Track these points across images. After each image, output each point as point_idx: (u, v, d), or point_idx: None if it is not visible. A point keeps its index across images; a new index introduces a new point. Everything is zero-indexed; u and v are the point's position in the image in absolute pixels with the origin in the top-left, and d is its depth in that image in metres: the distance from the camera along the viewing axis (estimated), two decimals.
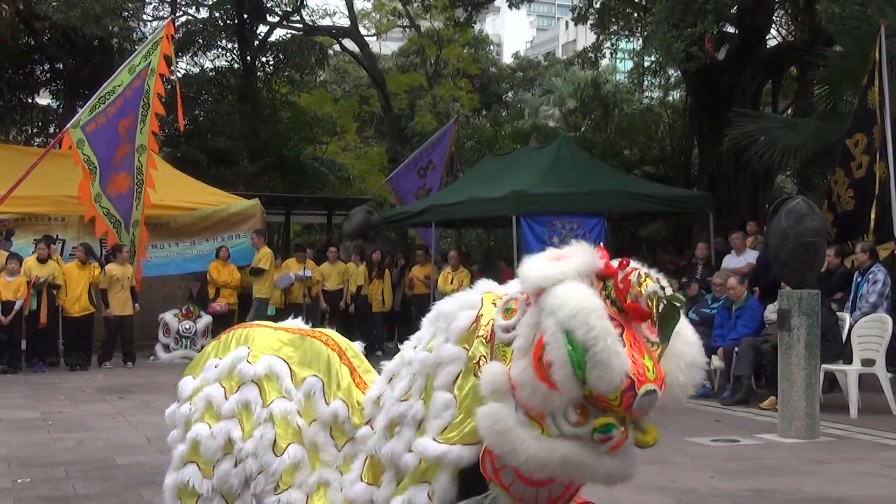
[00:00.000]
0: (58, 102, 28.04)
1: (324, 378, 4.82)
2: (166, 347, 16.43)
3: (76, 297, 14.99)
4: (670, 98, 28.10)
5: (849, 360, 10.49)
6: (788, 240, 8.92)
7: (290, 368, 4.85)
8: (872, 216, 12.83)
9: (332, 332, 5.15)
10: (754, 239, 14.78)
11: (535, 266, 3.79)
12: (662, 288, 3.73)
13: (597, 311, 3.55)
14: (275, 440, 4.65)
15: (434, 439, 4.02)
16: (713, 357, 11.56)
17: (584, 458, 3.71)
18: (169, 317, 16.60)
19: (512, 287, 4.17)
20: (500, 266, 21.76)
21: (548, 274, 3.72)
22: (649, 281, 3.69)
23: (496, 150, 24.94)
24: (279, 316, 17.88)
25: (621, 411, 3.62)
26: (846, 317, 11.06)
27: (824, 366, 9.78)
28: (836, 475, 7.10)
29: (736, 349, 11.10)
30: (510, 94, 42.26)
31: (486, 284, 4.33)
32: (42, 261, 14.83)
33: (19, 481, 6.71)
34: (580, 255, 3.80)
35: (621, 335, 3.62)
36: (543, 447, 3.69)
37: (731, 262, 14.17)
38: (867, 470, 7.30)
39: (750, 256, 13.91)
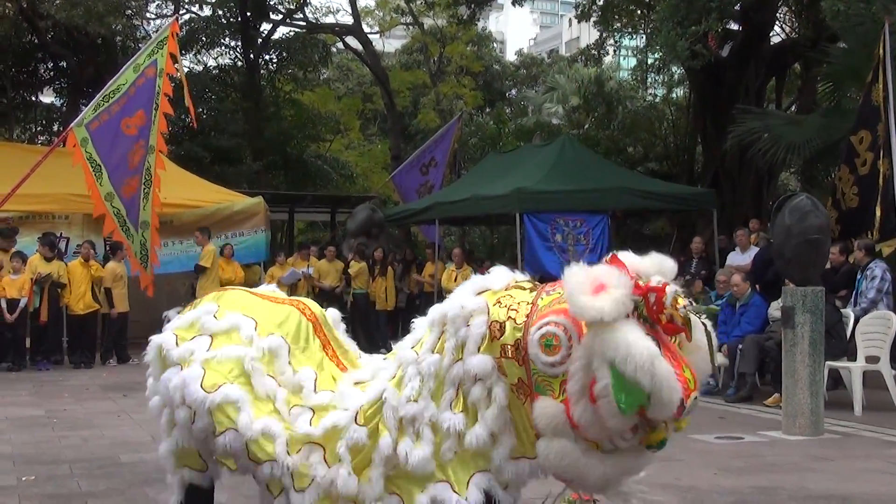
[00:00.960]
0: (61, 101, 28.05)
1: (291, 342, 4.81)
2: None
3: (80, 294, 15.03)
4: (674, 95, 28.05)
5: (853, 357, 10.49)
6: (792, 237, 8.91)
7: (256, 325, 4.82)
8: (878, 213, 12.81)
9: (309, 302, 5.15)
10: (758, 236, 14.76)
11: (585, 302, 3.84)
12: (691, 303, 3.98)
13: (657, 357, 3.73)
14: (202, 377, 4.61)
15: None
16: (717, 354, 11.53)
17: (637, 462, 4.10)
18: (173, 314, 16.43)
19: (500, 280, 4.42)
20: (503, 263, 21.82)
21: (600, 313, 3.80)
22: (680, 300, 3.91)
23: (500, 148, 24.92)
24: None
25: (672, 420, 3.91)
26: (850, 314, 11.05)
27: (828, 363, 9.77)
28: (841, 472, 7.09)
29: (740, 346, 11.09)
30: (513, 92, 42.21)
31: (479, 282, 4.44)
32: (48, 259, 14.86)
33: (24, 479, 6.73)
34: (620, 286, 3.89)
35: (660, 352, 3.83)
36: (608, 465, 4.01)
37: (735, 259, 14.15)
38: (872, 467, 7.30)
39: (754, 253, 13.89)
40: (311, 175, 29.70)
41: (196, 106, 27.05)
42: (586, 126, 27.35)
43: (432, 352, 4.37)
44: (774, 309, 10.75)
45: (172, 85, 16.37)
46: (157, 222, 16.11)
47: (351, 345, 5.10)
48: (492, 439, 4.20)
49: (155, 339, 4.93)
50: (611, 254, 4.11)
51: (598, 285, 3.87)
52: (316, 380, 4.75)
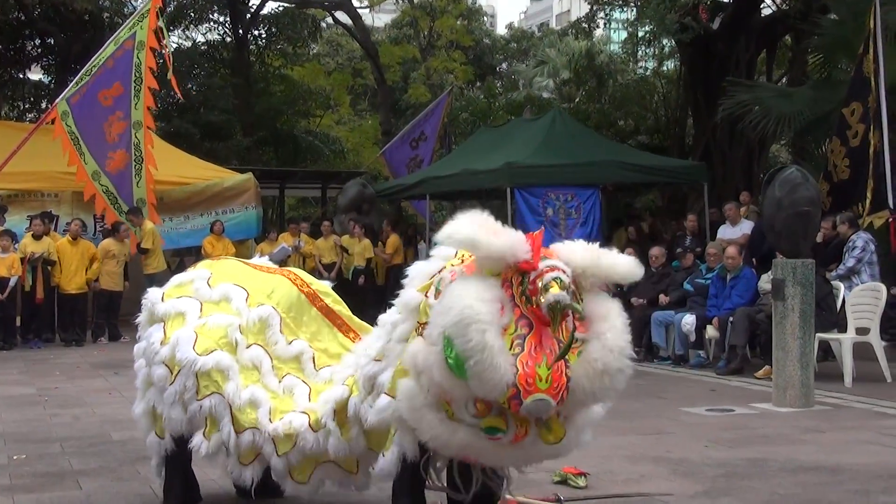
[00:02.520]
0: (49, 78, 27.85)
1: (282, 312, 4.86)
2: None
3: (71, 273, 14.98)
4: (664, 68, 27.97)
5: (843, 329, 10.51)
6: (782, 209, 8.91)
7: (248, 293, 4.89)
8: (870, 185, 12.82)
9: (301, 272, 5.22)
10: (747, 209, 14.76)
11: (453, 226, 3.82)
12: (573, 297, 3.75)
13: (477, 323, 3.57)
14: (196, 340, 4.69)
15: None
16: (708, 327, 11.58)
17: (484, 445, 3.87)
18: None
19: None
20: None
21: (456, 235, 3.75)
22: (555, 287, 3.67)
23: (490, 122, 24.85)
24: None
25: (514, 414, 3.73)
26: (840, 286, 11.08)
27: (819, 335, 9.79)
28: (831, 444, 7.11)
29: (731, 319, 11.11)
30: (504, 66, 42.07)
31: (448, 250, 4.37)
32: (37, 237, 14.80)
33: (15, 458, 6.71)
34: (507, 239, 3.79)
35: (525, 336, 3.67)
36: (446, 430, 3.86)
37: (725, 232, 14.15)
38: (862, 438, 7.32)
39: (745, 227, 13.89)
40: (302, 151, 29.60)
41: (185, 82, 27.01)
42: (577, 100, 27.30)
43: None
44: (765, 282, 10.77)
45: (159, 61, 16.26)
46: (153, 199, 16.07)
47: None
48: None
49: (146, 296, 5.07)
50: (540, 229, 4.02)
51: (494, 229, 3.85)
52: (314, 357, 4.77)
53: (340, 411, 4.45)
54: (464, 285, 3.70)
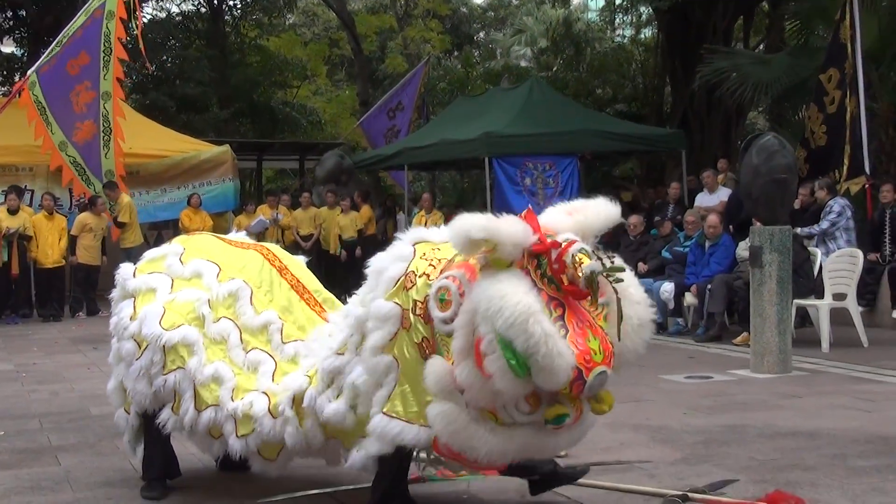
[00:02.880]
0: (22, 50, 27.54)
1: (253, 286, 4.84)
2: None
3: (47, 248, 14.87)
4: (642, 36, 27.94)
5: (820, 295, 10.57)
6: (760, 176, 8.92)
7: (220, 268, 4.88)
8: (847, 151, 12.87)
9: (273, 247, 5.21)
10: (724, 176, 14.79)
11: (465, 226, 3.64)
12: (602, 260, 3.67)
13: (533, 315, 3.45)
14: (163, 315, 4.67)
15: (385, 413, 3.99)
16: (686, 294, 11.62)
17: (543, 440, 3.77)
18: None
19: (439, 235, 4.13)
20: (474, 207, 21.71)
21: (485, 229, 3.58)
22: (585, 258, 3.59)
23: (468, 92, 24.77)
24: None
25: (573, 396, 3.63)
26: (818, 252, 11.13)
27: (796, 301, 9.84)
28: (809, 409, 7.16)
29: (709, 286, 11.15)
30: (481, 35, 41.87)
31: (417, 233, 4.25)
32: (12, 212, 14.67)
33: None
34: (511, 227, 3.67)
35: (562, 316, 3.57)
36: (501, 438, 3.71)
37: (703, 200, 14.18)
38: (839, 403, 7.37)
39: (722, 194, 13.92)
40: (279, 122, 29.45)
41: (160, 54, 26.79)
42: (555, 68, 27.21)
43: (362, 305, 4.27)
44: (743, 249, 10.81)
45: (134, 32, 16.10)
46: (122, 170, 15.93)
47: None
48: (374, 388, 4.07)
49: (117, 273, 5.04)
50: (527, 208, 3.87)
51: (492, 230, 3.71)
52: (283, 329, 4.75)
53: (298, 401, 4.40)
54: (497, 285, 3.54)
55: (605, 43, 28.00)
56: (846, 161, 12.93)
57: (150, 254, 5.15)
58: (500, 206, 15.50)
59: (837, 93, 13.19)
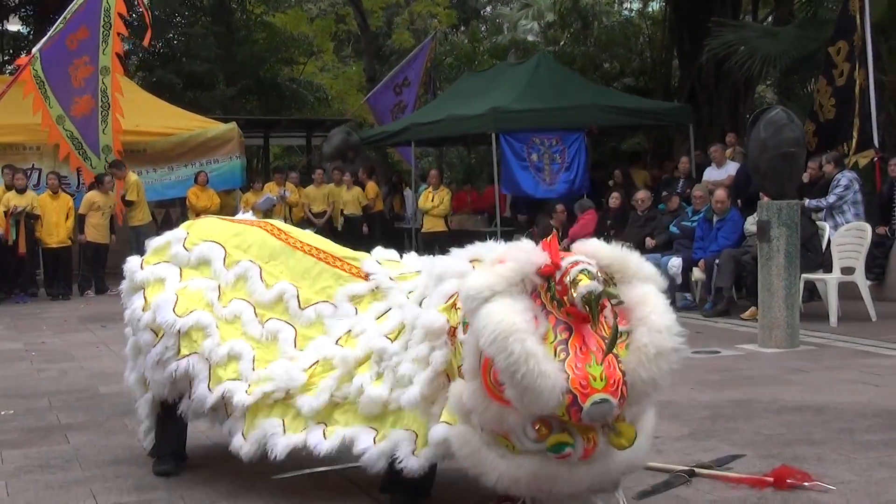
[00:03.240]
0: (28, 28, 27.51)
1: (262, 264, 4.84)
2: None
3: (53, 227, 14.88)
4: (650, 9, 27.76)
5: (829, 269, 10.54)
6: (767, 150, 8.87)
7: (226, 251, 4.88)
8: (855, 125, 12.80)
9: (277, 222, 5.24)
10: (733, 150, 14.73)
11: (466, 282, 3.62)
12: (606, 282, 3.58)
13: (514, 333, 3.37)
14: (176, 302, 4.68)
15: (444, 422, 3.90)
16: (694, 269, 11.61)
17: (556, 470, 3.61)
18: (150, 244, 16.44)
19: (495, 251, 3.96)
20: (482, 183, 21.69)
21: (474, 292, 3.54)
22: (584, 279, 3.49)
23: (475, 67, 24.69)
24: None
25: (577, 425, 3.50)
26: (826, 226, 11.10)
27: (804, 275, 9.82)
28: (817, 383, 7.16)
29: (717, 261, 11.13)
30: (488, 9, 41.62)
31: (475, 249, 4.14)
32: (20, 191, 14.68)
33: (2, 413, 6.71)
34: (514, 259, 3.62)
35: (567, 340, 3.48)
36: (511, 465, 3.62)
37: (711, 174, 14.14)
38: (847, 377, 7.37)
39: (731, 168, 13.88)
40: (286, 99, 29.40)
41: (166, 31, 26.77)
42: (562, 43, 27.08)
43: (419, 304, 4.25)
44: (750, 223, 10.77)
45: (138, 10, 16.04)
46: (119, 146, 15.93)
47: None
48: (424, 403, 3.98)
49: (124, 267, 5.04)
50: (551, 235, 3.79)
51: (500, 260, 3.67)
52: (298, 295, 4.74)
53: (324, 368, 4.38)
54: (490, 305, 3.47)
55: (612, 17, 27.84)
56: (855, 134, 12.87)
57: (154, 243, 5.13)
58: (507, 181, 15.53)
59: (846, 65, 13.11)
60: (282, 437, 4.32)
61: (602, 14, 27.51)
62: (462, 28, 37.33)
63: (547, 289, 3.59)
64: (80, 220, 15.26)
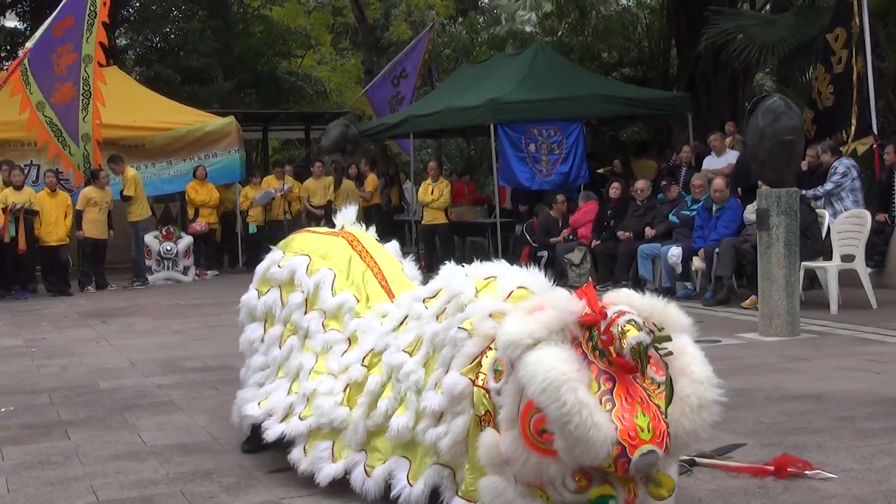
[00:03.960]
0: (24, 24, 27.46)
1: (338, 272, 5.12)
2: (148, 269, 16.34)
3: (50, 225, 14.84)
4: None
5: (829, 257, 10.53)
6: (766, 139, 8.85)
7: (310, 260, 5.20)
8: (854, 111, 12.78)
9: (359, 233, 5.47)
10: (733, 139, 14.70)
11: (506, 329, 3.60)
12: (650, 332, 3.54)
13: (567, 383, 3.32)
14: (282, 335, 5.12)
15: (460, 496, 3.90)
16: (694, 258, 11.60)
17: None
18: (149, 239, 16.50)
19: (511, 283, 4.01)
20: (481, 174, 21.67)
21: (515, 340, 3.51)
22: (632, 330, 3.45)
23: (473, 58, 24.64)
24: (260, 233, 17.89)
25: (621, 476, 3.47)
26: (825, 214, 11.09)
27: (804, 263, 9.82)
28: (817, 371, 7.15)
29: (717, 250, 11.12)
30: (486, 0, 41.59)
31: (488, 269, 4.20)
32: (17, 187, 14.65)
33: (3, 409, 6.70)
34: (553, 307, 3.58)
35: (611, 391, 3.43)
36: None
37: (711, 163, 14.12)
38: (847, 365, 7.36)
39: (730, 157, 13.85)
40: (284, 92, 29.38)
41: (163, 25, 26.73)
42: (560, 33, 26.99)
43: (437, 318, 4.25)
44: (750, 212, 10.75)
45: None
46: (99, 135, 15.89)
47: (410, 267, 5.43)
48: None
49: (243, 299, 5.50)
50: (587, 283, 3.74)
51: (538, 308, 3.62)
52: (355, 308, 5.01)
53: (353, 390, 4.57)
54: (536, 352, 3.43)
55: (610, 6, 27.74)
56: (854, 121, 12.85)
57: (259, 270, 5.47)
58: (505, 173, 15.50)
59: (844, 52, 13.08)
60: (328, 463, 4.48)
61: (600, 3, 27.40)
62: (460, 19, 37.25)
63: (588, 338, 3.53)
64: (78, 216, 15.24)
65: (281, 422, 4.77)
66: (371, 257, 5.25)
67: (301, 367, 4.87)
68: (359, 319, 4.88)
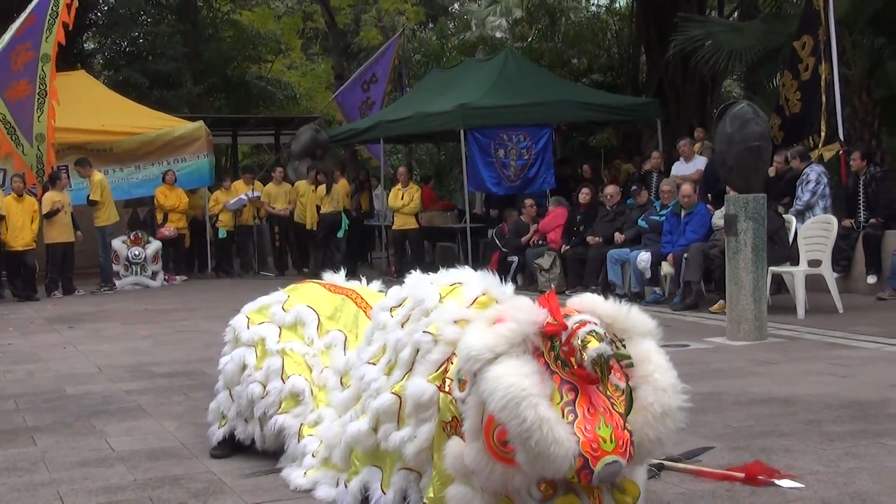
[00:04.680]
0: None
1: (348, 333, 5.17)
2: (116, 275, 16.22)
3: (17, 230, 14.68)
4: (617, 5, 27.81)
5: (796, 262, 10.62)
6: (733, 145, 8.91)
7: (319, 319, 5.26)
8: (823, 118, 12.90)
9: (362, 289, 5.47)
10: (702, 145, 14.80)
11: (466, 342, 3.58)
12: (612, 342, 3.53)
13: (527, 399, 3.31)
14: (283, 368, 5.07)
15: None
16: (663, 263, 11.66)
17: None
18: (118, 244, 16.39)
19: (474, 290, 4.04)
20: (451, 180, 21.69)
21: (475, 354, 3.49)
22: (593, 341, 3.43)
23: (443, 64, 24.66)
24: (229, 238, 17.82)
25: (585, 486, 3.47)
26: (793, 219, 11.18)
27: (771, 268, 9.89)
28: (785, 375, 7.20)
29: (685, 255, 11.18)
30: (456, 6, 41.65)
31: (453, 276, 4.21)
32: None
33: None
34: (514, 319, 3.56)
35: (574, 401, 3.43)
36: None
37: (680, 168, 14.20)
38: (815, 369, 7.42)
39: (699, 163, 13.94)
40: (254, 97, 29.29)
41: (131, 29, 26.56)
42: (530, 39, 27.08)
43: (401, 325, 4.25)
44: (718, 217, 10.83)
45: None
46: (53, 137, 15.77)
47: None
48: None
49: (231, 323, 5.50)
50: (549, 291, 3.72)
51: (498, 319, 3.61)
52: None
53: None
54: (496, 366, 3.41)
55: (579, 13, 27.89)
56: (823, 127, 12.96)
57: (258, 303, 5.51)
58: (473, 178, 15.53)
59: (811, 59, 13.20)
60: (325, 487, 4.55)
61: (570, 10, 27.55)
62: (430, 25, 37.34)
63: (550, 348, 3.52)
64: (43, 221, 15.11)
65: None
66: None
67: (321, 420, 4.89)
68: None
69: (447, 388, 3.80)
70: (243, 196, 17.62)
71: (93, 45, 28.29)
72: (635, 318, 3.71)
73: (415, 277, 4.45)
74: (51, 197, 15.18)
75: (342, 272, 5.69)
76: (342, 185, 17.87)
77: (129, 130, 17.50)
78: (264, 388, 5.08)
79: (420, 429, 3.90)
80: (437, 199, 20.01)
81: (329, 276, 5.66)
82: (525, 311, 3.59)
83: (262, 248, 18.72)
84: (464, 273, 4.22)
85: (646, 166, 15.28)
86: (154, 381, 7.76)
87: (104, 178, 16.03)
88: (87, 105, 16.95)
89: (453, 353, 3.82)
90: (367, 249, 20.54)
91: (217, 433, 5.38)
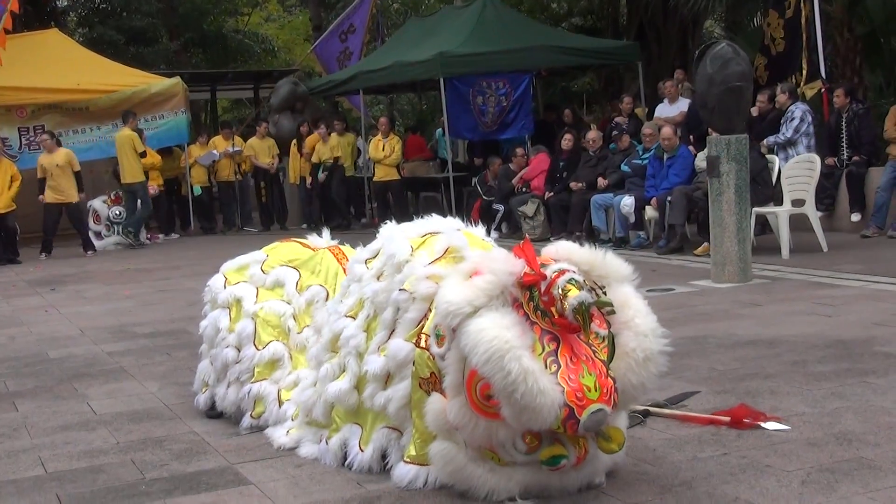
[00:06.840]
0: None
1: (328, 289, 5.08)
2: (98, 235, 16.10)
3: None
4: None
5: (779, 202, 10.58)
6: (714, 85, 8.81)
7: (300, 274, 5.19)
8: (804, 56, 12.80)
9: (345, 248, 5.38)
10: (682, 86, 14.67)
11: (444, 297, 3.53)
12: (591, 289, 3.51)
13: (510, 352, 3.29)
14: (255, 333, 4.98)
15: (405, 461, 3.90)
16: (647, 207, 11.61)
17: (547, 479, 3.60)
18: (98, 203, 16.25)
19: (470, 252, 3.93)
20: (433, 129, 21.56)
21: (454, 309, 3.46)
22: (573, 290, 3.41)
23: (422, 12, 24.41)
24: (205, 194, 17.72)
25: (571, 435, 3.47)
26: (776, 159, 11.12)
27: (755, 209, 9.85)
28: (770, 316, 7.19)
29: (669, 198, 11.13)
30: None
31: (429, 224, 4.20)
32: None
33: None
34: (491, 270, 3.53)
35: (556, 351, 3.41)
36: (501, 478, 3.59)
37: (663, 111, 14.10)
38: (799, 309, 7.40)
39: (682, 105, 13.82)
40: (232, 51, 29.00)
41: None
42: None
43: (377, 278, 4.21)
44: (701, 160, 10.76)
45: None
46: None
47: None
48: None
49: (210, 283, 5.40)
50: (524, 240, 3.69)
51: (475, 271, 3.57)
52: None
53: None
54: (477, 319, 3.39)
55: None
56: (805, 65, 12.87)
57: (235, 262, 5.41)
58: (453, 125, 15.42)
59: None
60: (308, 444, 4.51)
61: None
62: None
63: (529, 298, 3.49)
64: (42, 185, 14.92)
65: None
66: None
67: (299, 381, 4.82)
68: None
69: (424, 344, 3.77)
70: (214, 151, 17.51)
71: (66, 3, 27.86)
72: (612, 264, 3.69)
73: (388, 228, 4.41)
74: (39, 160, 14.94)
75: (326, 233, 5.58)
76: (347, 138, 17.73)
77: (105, 88, 17.29)
78: (238, 352, 5.01)
79: (398, 386, 3.89)
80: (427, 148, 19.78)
81: (313, 238, 5.55)
82: (502, 262, 3.56)
83: (245, 203, 18.57)
84: (435, 222, 4.18)
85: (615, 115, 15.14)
86: (136, 342, 7.71)
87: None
88: (61, 64, 16.71)
89: (429, 309, 3.79)
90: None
91: (200, 400, 5.31)
